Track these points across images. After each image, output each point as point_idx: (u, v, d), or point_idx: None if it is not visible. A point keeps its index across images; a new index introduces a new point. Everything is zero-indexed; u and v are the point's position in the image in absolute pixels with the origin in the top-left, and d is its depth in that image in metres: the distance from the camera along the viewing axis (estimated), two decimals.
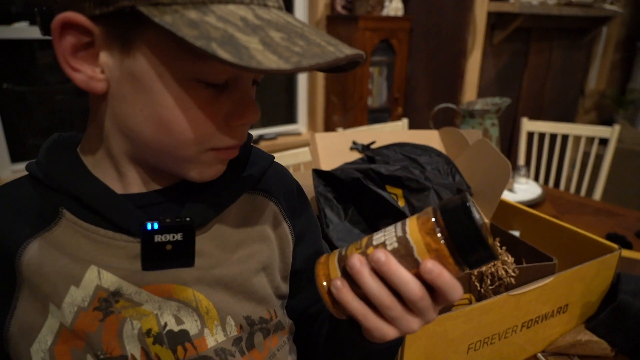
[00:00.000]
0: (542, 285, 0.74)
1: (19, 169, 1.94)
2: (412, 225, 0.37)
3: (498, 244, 0.90)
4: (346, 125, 2.47)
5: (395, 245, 0.37)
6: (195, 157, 0.42)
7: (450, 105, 1.65)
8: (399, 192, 0.93)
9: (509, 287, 0.77)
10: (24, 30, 1.84)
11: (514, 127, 2.96)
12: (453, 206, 0.36)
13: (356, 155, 1.09)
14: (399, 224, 0.38)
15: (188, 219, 0.44)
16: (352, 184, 0.89)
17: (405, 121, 2.00)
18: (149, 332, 0.42)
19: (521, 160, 2.13)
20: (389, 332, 0.38)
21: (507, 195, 1.53)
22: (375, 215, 0.89)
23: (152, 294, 0.43)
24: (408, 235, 0.37)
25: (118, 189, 0.44)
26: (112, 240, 0.43)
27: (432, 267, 0.35)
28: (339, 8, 2.40)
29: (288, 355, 0.53)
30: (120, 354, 0.42)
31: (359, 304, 0.38)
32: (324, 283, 0.39)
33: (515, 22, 2.58)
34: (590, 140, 2.17)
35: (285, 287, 0.54)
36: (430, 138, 1.16)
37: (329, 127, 2.65)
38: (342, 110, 2.55)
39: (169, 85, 0.38)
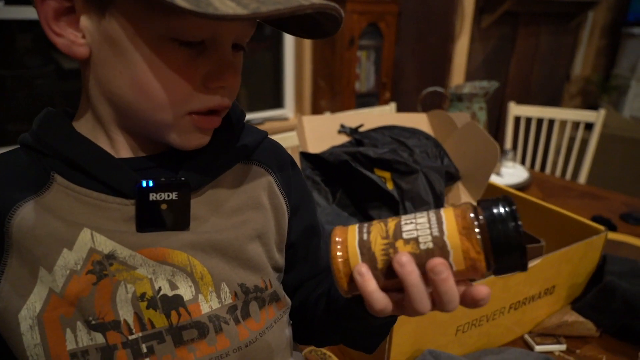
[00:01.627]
0: (530, 267, 0.74)
1: None
2: (450, 225, 0.35)
3: None
4: (334, 110, 2.45)
5: (430, 246, 0.35)
6: (173, 122, 0.42)
7: (439, 88, 1.64)
8: (387, 175, 0.92)
9: None
10: (0, 11, 1.77)
11: (501, 111, 2.96)
12: (500, 213, 0.34)
13: (344, 139, 1.08)
14: (432, 217, 0.36)
15: (183, 178, 0.44)
16: (341, 166, 0.88)
17: (393, 105, 1.99)
18: (142, 296, 0.42)
19: (508, 144, 2.14)
20: (398, 314, 0.39)
21: (494, 179, 1.54)
22: (363, 198, 0.88)
23: (147, 257, 0.42)
24: (446, 238, 0.34)
25: (111, 154, 0.44)
26: (105, 203, 0.42)
27: (486, 292, 0.36)
28: None
29: (285, 328, 0.53)
30: (113, 319, 0.41)
31: (382, 297, 0.36)
32: (340, 267, 0.37)
33: (503, 6, 2.56)
34: (575, 125, 2.19)
35: (281, 260, 0.54)
36: (418, 121, 1.15)
37: (316, 111, 2.63)
38: (329, 94, 2.53)
39: (142, 46, 0.38)
